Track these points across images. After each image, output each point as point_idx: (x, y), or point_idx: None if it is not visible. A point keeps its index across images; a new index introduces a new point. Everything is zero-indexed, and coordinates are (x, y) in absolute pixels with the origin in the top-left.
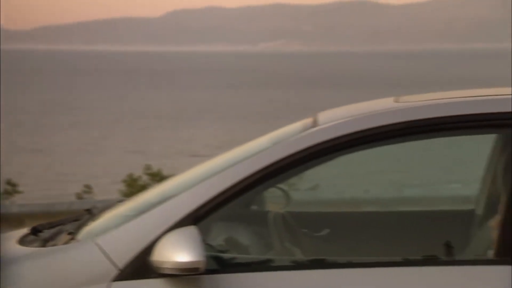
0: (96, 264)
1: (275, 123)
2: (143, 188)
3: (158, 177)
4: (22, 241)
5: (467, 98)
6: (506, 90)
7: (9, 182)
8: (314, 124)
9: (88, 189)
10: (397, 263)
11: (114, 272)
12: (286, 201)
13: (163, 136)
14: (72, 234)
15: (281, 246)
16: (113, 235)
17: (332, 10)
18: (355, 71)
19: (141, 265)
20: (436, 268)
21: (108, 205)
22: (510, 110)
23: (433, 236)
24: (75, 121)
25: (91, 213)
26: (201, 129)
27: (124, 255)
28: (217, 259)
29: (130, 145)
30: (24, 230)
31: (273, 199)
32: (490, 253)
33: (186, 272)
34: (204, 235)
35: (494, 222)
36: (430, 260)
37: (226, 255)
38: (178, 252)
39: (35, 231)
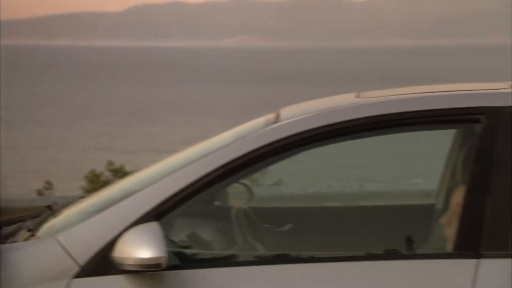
0: (56, 261)
1: (240, 119)
2: (105, 184)
3: (120, 173)
4: None
5: (428, 94)
6: (465, 86)
7: None
8: (277, 119)
9: (49, 185)
10: (360, 258)
11: (75, 269)
12: (249, 196)
13: (127, 132)
14: (32, 231)
15: (244, 242)
16: (74, 231)
17: (296, 6)
18: (318, 67)
19: (103, 261)
20: (398, 262)
21: (69, 202)
22: (469, 105)
23: (395, 230)
24: (37, 117)
25: (51, 210)
26: (165, 125)
27: (85, 251)
28: (180, 255)
29: (93, 141)
30: None
31: (236, 195)
32: (450, 247)
33: (148, 268)
34: (166, 231)
35: (453, 217)
36: (391, 254)
37: (188, 251)
38: (140, 248)
39: None
